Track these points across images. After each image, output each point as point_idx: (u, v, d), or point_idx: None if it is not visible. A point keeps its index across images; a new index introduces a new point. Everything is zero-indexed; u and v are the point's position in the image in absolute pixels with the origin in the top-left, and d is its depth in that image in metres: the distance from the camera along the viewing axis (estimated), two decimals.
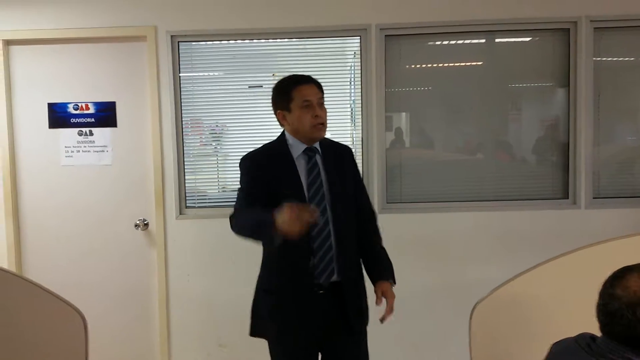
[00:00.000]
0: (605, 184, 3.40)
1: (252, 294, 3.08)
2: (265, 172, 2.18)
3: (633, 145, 3.46)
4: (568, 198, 3.37)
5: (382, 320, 2.16)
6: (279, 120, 2.28)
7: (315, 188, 2.19)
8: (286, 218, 1.81)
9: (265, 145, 2.33)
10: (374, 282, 2.29)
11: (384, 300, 2.19)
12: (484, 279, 2.43)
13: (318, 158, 2.25)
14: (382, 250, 2.37)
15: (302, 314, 2.17)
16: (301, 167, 2.21)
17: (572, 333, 1.44)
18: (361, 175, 2.48)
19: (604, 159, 3.40)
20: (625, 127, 3.47)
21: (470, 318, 2.20)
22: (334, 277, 2.18)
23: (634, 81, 3.38)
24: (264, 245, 2.28)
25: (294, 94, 2.18)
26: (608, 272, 1.35)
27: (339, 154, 2.35)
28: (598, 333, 1.34)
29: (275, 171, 2.18)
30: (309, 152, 2.24)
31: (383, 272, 2.29)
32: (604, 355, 1.26)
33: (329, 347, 2.26)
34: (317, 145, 2.28)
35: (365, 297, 2.34)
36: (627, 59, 3.40)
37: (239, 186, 2.25)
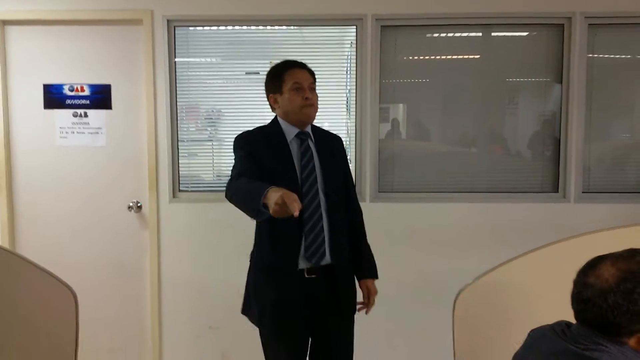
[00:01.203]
0: (595, 179, 3.43)
1: (244, 278, 3.12)
2: (259, 149, 2.21)
3: (624, 141, 3.50)
4: (558, 192, 3.41)
5: (366, 312, 2.43)
6: (271, 105, 2.33)
7: (308, 171, 2.22)
8: (277, 199, 1.74)
9: (259, 127, 2.36)
10: (358, 278, 2.42)
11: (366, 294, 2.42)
12: (473, 269, 2.46)
13: (310, 143, 2.29)
14: (367, 246, 2.46)
15: (290, 296, 2.20)
16: (294, 150, 2.25)
17: (551, 321, 1.47)
18: (349, 166, 2.54)
19: (594, 155, 3.43)
20: (617, 124, 3.50)
21: (454, 304, 2.24)
22: (325, 260, 2.22)
23: (626, 79, 3.41)
24: (257, 222, 2.30)
25: (286, 77, 2.24)
26: None
27: (330, 142, 2.40)
28: (574, 321, 1.38)
29: (269, 151, 2.22)
30: (301, 136, 2.27)
31: (368, 269, 2.43)
32: (577, 341, 1.30)
33: (320, 331, 2.30)
34: (309, 130, 2.31)
35: (354, 284, 2.40)
36: (620, 56, 3.42)
37: (234, 166, 2.25)
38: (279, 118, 2.31)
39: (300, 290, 2.20)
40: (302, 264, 2.20)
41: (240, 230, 3.33)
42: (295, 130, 2.27)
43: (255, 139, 2.27)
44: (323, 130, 2.44)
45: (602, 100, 3.39)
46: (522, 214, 3.37)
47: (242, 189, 2.01)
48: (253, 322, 2.33)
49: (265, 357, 2.35)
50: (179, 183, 3.45)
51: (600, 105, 3.40)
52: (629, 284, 1.24)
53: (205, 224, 3.42)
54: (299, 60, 2.33)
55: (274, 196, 1.76)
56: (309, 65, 2.32)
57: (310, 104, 2.23)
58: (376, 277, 2.45)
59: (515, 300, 2.20)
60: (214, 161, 3.50)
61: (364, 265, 2.41)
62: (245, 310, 2.37)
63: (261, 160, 2.18)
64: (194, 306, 3.46)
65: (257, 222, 2.29)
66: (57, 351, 2.23)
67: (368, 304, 2.43)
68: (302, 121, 2.26)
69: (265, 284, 2.25)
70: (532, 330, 1.49)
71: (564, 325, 1.38)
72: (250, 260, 2.37)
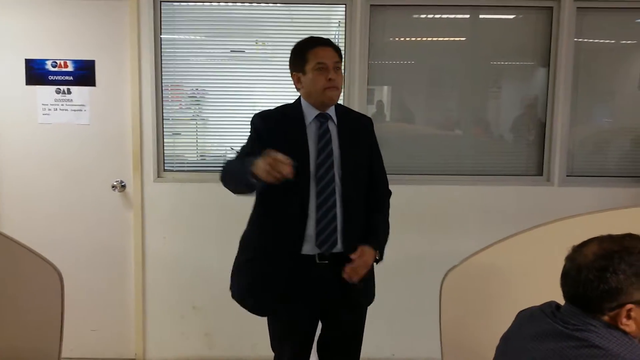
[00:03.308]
0: (579, 162, 3.47)
1: (228, 257, 3.08)
2: (273, 133, 2.15)
3: (608, 126, 3.54)
4: (542, 175, 3.44)
5: (345, 273, 2.11)
6: (294, 84, 2.24)
7: (325, 154, 2.16)
8: (262, 166, 1.83)
9: (280, 106, 2.30)
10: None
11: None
12: (457, 251, 2.48)
13: (331, 125, 2.21)
14: (382, 226, 2.32)
15: (300, 282, 2.14)
16: (312, 133, 2.18)
17: (537, 303, 1.49)
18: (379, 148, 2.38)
19: (579, 139, 3.46)
20: (602, 109, 3.54)
21: (441, 285, 2.26)
22: (337, 248, 2.16)
23: (612, 63, 3.43)
24: (256, 203, 2.26)
25: (310, 56, 2.14)
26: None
27: (357, 123, 2.31)
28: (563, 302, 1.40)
29: (284, 134, 2.16)
30: (321, 118, 2.19)
31: (370, 239, 2.22)
32: (566, 321, 1.31)
33: (329, 316, 2.27)
34: (332, 112, 2.23)
35: (372, 274, 2.32)
36: (607, 41, 3.44)
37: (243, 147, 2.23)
38: (301, 98, 2.23)
39: (309, 276, 2.15)
40: (312, 250, 2.14)
41: (224, 211, 3.34)
42: (316, 112, 2.19)
43: (272, 120, 2.21)
44: (351, 111, 2.36)
45: (587, 84, 3.42)
46: (507, 196, 3.40)
47: (232, 167, 2.02)
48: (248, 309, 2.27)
49: (272, 342, 2.32)
50: (163, 162, 3.41)
51: (585, 89, 3.42)
52: (603, 262, 1.27)
53: (189, 204, 3.40)
54: (325, 37, 2.23)
55: (261, 163, 1.83)
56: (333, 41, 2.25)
57: (334, 86, 2.14)
58: (377, 249, 2.23)
59: (501, 282, 2.23)
60: (198, 141, 3.47)
61: (370, 236, 2.22)
62: (237, 296, 2.29)
63: (272, 143, 2.08)
64: (178, 286, 3.45)
65: (255, 203, 2.25)
66: (43, 330, 2.21)
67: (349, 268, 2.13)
68: (324, 103, 2.18)
69: (271, 269, 2.18)
70: (521, 311, 1.51)
71: (553, 307, 1.39)
72: (241, 243, 2.31)
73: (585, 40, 3.38)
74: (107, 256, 3.44)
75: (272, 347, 2.34)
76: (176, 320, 3.47)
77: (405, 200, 3.39)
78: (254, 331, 3.31)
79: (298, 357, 2.28)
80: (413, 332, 3.46)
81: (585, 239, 1.37)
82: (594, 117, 3.51)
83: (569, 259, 1.36)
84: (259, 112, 2.25)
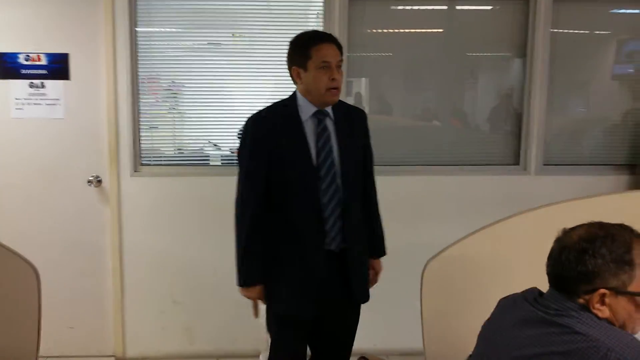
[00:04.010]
0: (555, 151, 3.51)
1: (206, 251, 3.07)
2: (270, 138, 2.11)
3: (583, 116, 3.59)
4: (519, 164, 3.48)
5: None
6: (292, 77, 2.17)
7: (325, 153, 2.13)
8: (250, 298, 2.18)
9: (274, 105, 2.24)
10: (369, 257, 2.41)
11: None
12: (437, 241, 2.50)
13: (329, 122, 2.17)
14: (380, 225, 2.44)
15: (309, 279, 2.15)
16: (310, 130, 2.14)
17: (518, 290, 1.50)
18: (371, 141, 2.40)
19: (555, 128, 3.50)
20: (577, 99, 3.59)
21: (422, 275, 2.27)
22: (339, 246, 2.18)
23: (587, 54, 3.48)
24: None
25: (313, 52, 2.07)
26: (553, 233, 1.40)
27: (351, 117, 2.27)
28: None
29: (281, 135, 2.11)
30: (319, 115, 2.15)
31: (376, 248, 2.42)
32: (548, 306, 1.32)
33: (327, 314, 2.24)
34: (328, 107, 2.18)
35: (367, 273, 2.37)
36: (582, 31, 3.48)
37: (241, 159, 2.19)
38: (297, 93, 2.17)
39: (314, 271, 2.15)
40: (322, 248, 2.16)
41: (203, 204, 3.32)
42: (313, 109, 2.14)
43: (266, 124, 2.15)
44: (345, 104, 2.32)
45: (563, 75, 3.46)
46: (485, 186, 3.43)
47: (241, 252, 2.15)
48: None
49: (272, 335, 2.31)
50: (140, 157, 3.37)
51: (561, 80, 3.46)
52: (585, 244, 1.28)
53: (167, 198, 3.36)
54: (328, 33, 2.19)
55: (247, 295, 2.17)
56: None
57: (335, 87, 2.09)
58: (383, 253, 2.46)
59: (482, 270, 2.25)
60: (175, 134, 3.43)
61: (376, 245, 2.42)
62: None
63: (271, 148, 2.09)
64: (158, 281, 3.41)
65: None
66: (20, 328, 2.18)
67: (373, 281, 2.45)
68: (325, 103, 2.14)
69: (279, 269, 2.19)
70: (502, 299, 1.52)
71: (536, 293, 1.40)
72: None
73: (561, 31, 3.41)
74: (85, 252, 3.39)
75: (277, 345, 2.31)
76: (156, 315, 3.44)
77: (384, 191, 3.37)
78: (235, 325, 3.32)
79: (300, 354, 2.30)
80: (395, 322, 3.47)
81: (562, 226, 1.38)
82: (569, 107, 3.56)
83: (557, 240, 1.36)
84: (252, 117, 2.18)
